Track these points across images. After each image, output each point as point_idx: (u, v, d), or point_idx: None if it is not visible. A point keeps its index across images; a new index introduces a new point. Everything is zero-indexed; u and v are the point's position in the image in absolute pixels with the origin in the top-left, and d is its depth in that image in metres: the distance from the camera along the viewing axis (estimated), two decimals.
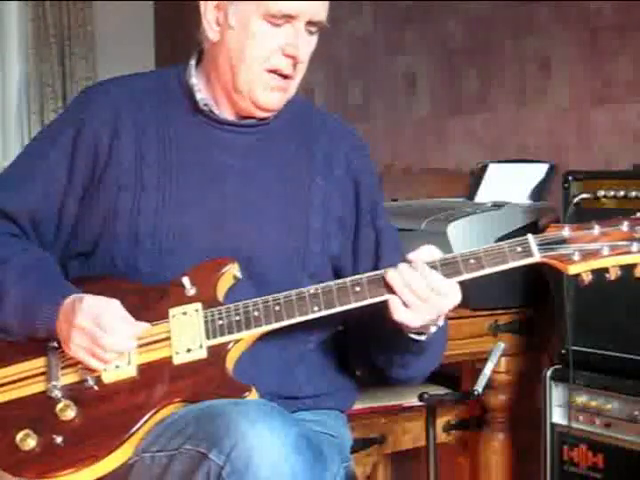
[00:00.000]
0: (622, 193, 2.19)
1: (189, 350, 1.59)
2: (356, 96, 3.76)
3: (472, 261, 1.56)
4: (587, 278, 1.53)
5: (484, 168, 2.78)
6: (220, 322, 1.60)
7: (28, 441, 1.57)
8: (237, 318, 1.59)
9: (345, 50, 3.77)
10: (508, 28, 3.09)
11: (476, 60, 3.22)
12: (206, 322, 1.60)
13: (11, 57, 4.95)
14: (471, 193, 2.75)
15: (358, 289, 1.58)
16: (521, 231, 2.41)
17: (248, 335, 1.60)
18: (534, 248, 1.55)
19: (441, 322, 1.62)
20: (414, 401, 2.31)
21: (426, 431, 2.12)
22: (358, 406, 2.08)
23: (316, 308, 1.58)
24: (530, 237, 1.56)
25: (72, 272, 1.74)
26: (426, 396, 2.07)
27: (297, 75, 1.71)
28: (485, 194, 2.70)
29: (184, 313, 1.62)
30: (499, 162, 2.79)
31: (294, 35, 1.66)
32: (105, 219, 1.70)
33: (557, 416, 2.31)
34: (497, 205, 2.52)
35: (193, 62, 1.77)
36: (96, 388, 1.60)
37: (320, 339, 1.75)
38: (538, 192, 2.63)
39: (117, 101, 1.74)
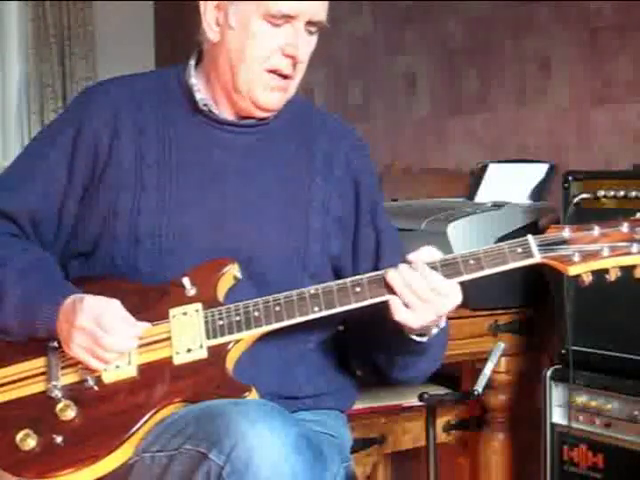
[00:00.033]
0: (622, 193, 2.19)
1: (189, 350, 1.59)
2: (356, 96, 3.76)
3: (472, 262, 1.56)
4: (587, 279, 1.54)
5: (484, 168, 2.78)
6: (220, 322, 1.60)
7: (28, 441, 1.57)
8: (237, 318, 1.59)
9: (345, 50, 3.77)
10: (508, 28, 3.09)
11: (476, 60, 3.22)
12: (206, 322, 1.60)
13: (11, 57, 4.95)
14: (471, 193, 2.75)
15: (358, 289, 1.58)
16: (521, 231, 2.41)
17: (248, 335, 1.60)
18: (534, 249, 1.55)
19: (442, 323, 1.62)
20: (414, 401, 2.31)
21: (426, 431, 2.12)
22: (358, 406, 2.08)
23: (316, 308, 1.58)
24: (530, 238, 1.56)
25: (72, 272, 1.75)
26: (426, 396, 2.07)
27: (297, 75, 1.71)
28: (485, 194, 2.70)
29: (184, 313, 1.62)
30: (499, 162, 2.79)
31: (294, 35, 1.66)
32: (105, 219, 1.70)
33: (557, 416, 2.31)
34: (497, 205, 2.52)
35: (193, 62, 1.77)
36: (96, 388, 1.60)
37: (320, 339, 1.75)
38: (538, 192, 2.63)
39: (117, 101, 1.74)
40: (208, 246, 1.67)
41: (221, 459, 1.41)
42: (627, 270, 1.54)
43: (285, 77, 1.69)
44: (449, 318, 1.65)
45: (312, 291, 1.59)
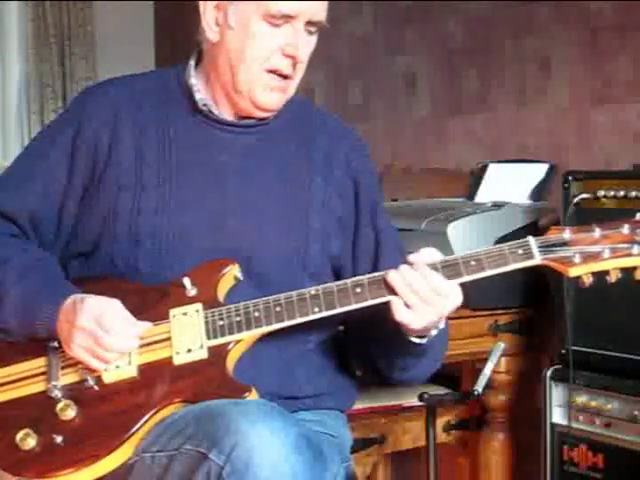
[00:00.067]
0: (622, 193, 2.19)
1: (189, 350, 1.59)
2: (356, 96, 3.75)
3: (473, 263, 1.56)
4: (588, 280, 1.54)
5: (484, 168, 2.78)
6: (221, 322, 1.60)
7: (28, 441, 1.57)
8: (238, 319, 1.59)
9: (345, 50, 3.77)
10: (508, 28, 3.09)
11: (476, 60, 3.22)
12: (207, 322, 1.60)
13: (11, 57, 4.94)
14: (471, 193, 2.75)
15: (359, 290, 1.58)
16: (521, 231, 2.41)
17: (248, 336, 1.60)
18: (535, 250, 1.55)
19: (441, 325, 1.62)
20: (414, 401, 2.31)
21: (426, 431, 2.12)
22: (358, 406, 2.08)
23: (317, 309, 1.58)
24: (531, 239, 1.56)
25: (72, 272, 1.75)
26: (426, 396, 2.07)
27: (296, 75, 1.71)
28: (485, 194, 2.70)
29: (185, 313, 1.62)
30: (499, 162, 2.79)
31: (293, 35, 1.66)
32: (105, 219, 1.70)
33: (557, 416, 2.31)
34: (497, 205, 2.52)
35: (192, 62, 1.77)
36: (96, 388, 1.60)
37: (320, 339, 1.75)
38: (538, 192, 2.63)
39: (117, 101, 1.74)
40: (208, 246, 1.67)
41: (221, 459, 1.41)
42: (628, 272, 1.54)
43: (285, 77, 1.69)
44: (449, 318, 1.65)
45: (312, 292, 1.59)
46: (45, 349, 1.64)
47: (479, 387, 2.01)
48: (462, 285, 1.57)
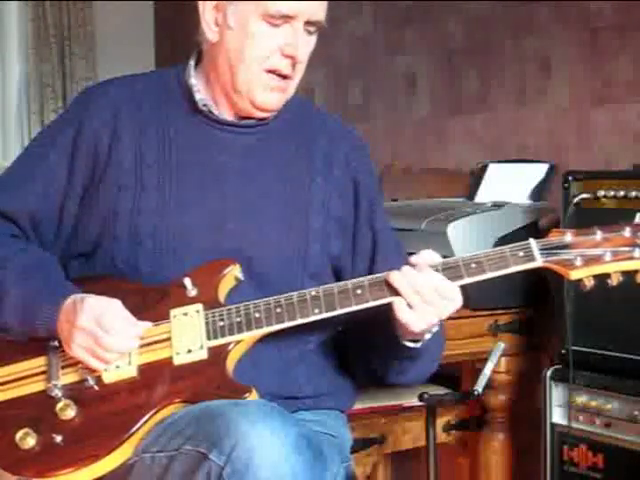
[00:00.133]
0: (622, 193, 2.19)
1: (190, 351, 1.59)
2: (356, 96, 3.76)
3: (473, 265, 1.56)
4: (589, 283, 1.53)
5: (484, 168, 2.78)
6: (221, 323, 1.60)
7: (28, 440, 1.57)
8: (238, 319, 1.59)
9: (345, 50, 3.77)
10: (508, 28, 3.09)
11: (476, 60, 3.22)
12: (207, 323, 1.60)
13: (11, 57, 4.95)
14: (471, 193, 2.75)
15: (359, 291, 1.58)
16: (521, 231, 2.41)
17: (249, 336, 1.60)
18: (536, 253, 1.55)
19: (435, 328, 1.62)
20: (414, 401, 2.31)
21: (426, 431, 2.12)
22: (358, 406, 2.08)
23: (317, 310, 1.58)
24: (532, 241, 1.56)
25: (72, 272, 1.74)
26: (426, 396, 2.07)
27: (296, 75, 1.70)
28: (485, 194, 2.70)
29: (185, 314, 1.62)
30: (499, 162, 2.79)
31: (293, 35, 1.66)
32: (105, 219, 1.70)
33: (557, 416, 2.31)
34: (497, 205, 2.52)
35: (192, 62, 1.77)
36: (96, 388, 1.60)
37: (320, 339, 1.75)
38: (538, 192, 2.63)
39: (117, 101, 1.74)
40: (208, 246, 1.67)
41: (221, 459, 1.41)
42: (629, 275, 1.54)
43: (284, 77, 1.69)
44: (449, 318, 1.65)
45: (313, 293, 1.59)
46: (45, 348, 1.64)
47: (479, 387, 2.01)
48: (462, 285, 1.57)
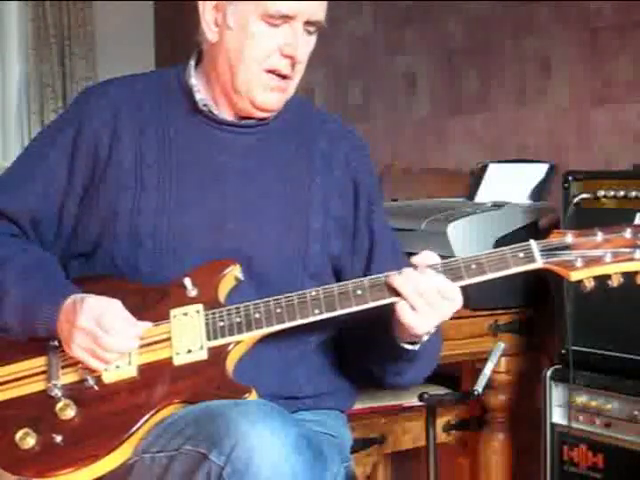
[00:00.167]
0: (622, 193, 2.19)
1: (189, 351, 1.59)
2: (356, 96, 3.75)
3: (474, 266, 1.55)
4: (589, 284, 1.53)
5: (484, 168, 2.78)
6: (221, 323, 1.60)
7: (27, 440, 1.57)
8: (238, 320, 1.59)
9: (345, 50, 3.77)
10: (508, 28, 3.09)
11: (476, 60, 3.22)
12: (207, 323, 1.60)
13: (11, 57, 4.95)
14: (471, 193, 2.75)
15: (360, 292, 1.58)
16: (521, 231, 2.41)
17: (249, 337, 1.60)
18: (537, 254, 1.55)
19: (433, 329, 1.62)
20: (414, 401, 2.31)
21: (426, 431, 2.12)
22: (358, 406, 2.08)
23: (317, 311, 1.58)
24: (533, 242, 1.56)
25: (72, 272, 1.74)
26: (426, 396, 2.07)
27: (296, 75, 1.70)
28: (485, 194, 2.70)
29: (185, 314, 1.62)
30: (499, 162, 2.79)
31: (292, 35, 1.66)
32: (105, 219, 1.70)
33: (557, 416, 2.31)
34: (497, 205, 2.52)
35: (192, 62, 1.77)
36: (96, 388, 1.60)
37: (320, 339, 1.75)
38: (538, 192, 2.63)
39: (117, 101, 1.74)
40: (208, 246, 1.67)
41: (221, 460, 1.41)
42: (629, 276, 1.54)
43: (284, 77, 1.69)
44: (449, 318, 1.65)
45: (313, 293, 1.59)
46: (45, 348, 1.64)
47: (479, 387, 2.01)
48: (462, 285, 1.57)
